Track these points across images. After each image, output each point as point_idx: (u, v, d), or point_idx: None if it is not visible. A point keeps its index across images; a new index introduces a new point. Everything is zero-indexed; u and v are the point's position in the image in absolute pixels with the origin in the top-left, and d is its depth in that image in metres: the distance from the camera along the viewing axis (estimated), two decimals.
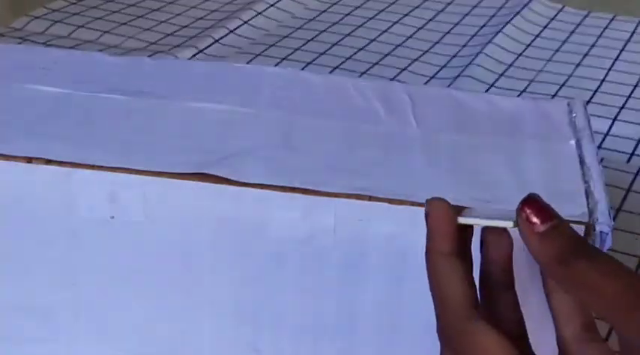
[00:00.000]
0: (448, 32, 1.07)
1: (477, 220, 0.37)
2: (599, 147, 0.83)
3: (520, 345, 0.36)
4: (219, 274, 0.48)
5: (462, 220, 0.37)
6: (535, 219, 0.34)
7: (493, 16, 1.12)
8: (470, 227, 0.38)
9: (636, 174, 0.80)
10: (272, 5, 1.10)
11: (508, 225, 0.35)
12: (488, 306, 0.38)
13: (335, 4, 1.14)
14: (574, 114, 0.54)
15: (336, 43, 1.03)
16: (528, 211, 0.34)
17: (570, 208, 0.45)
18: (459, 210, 0.37)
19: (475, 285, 0.37)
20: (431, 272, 0.37)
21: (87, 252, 0.48)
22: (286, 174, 0.46)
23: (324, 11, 1.12)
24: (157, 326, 0.50)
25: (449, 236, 0.36)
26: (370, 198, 0.45)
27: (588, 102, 0.91)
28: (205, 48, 0.99)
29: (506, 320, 0.38)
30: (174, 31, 1.05)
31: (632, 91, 0.94)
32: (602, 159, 0.79)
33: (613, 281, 0.32)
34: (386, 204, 0.45)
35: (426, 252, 0.37)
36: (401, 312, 0.47)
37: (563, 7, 1.14)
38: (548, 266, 0.34)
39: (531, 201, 0.34)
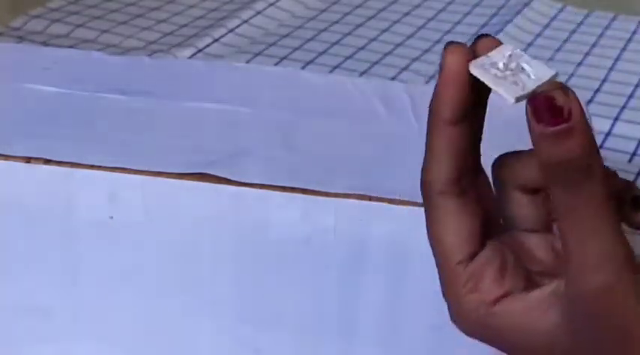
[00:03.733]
0: (449, 31, 1.07)
1: (484, 76, 0.31)
2: (601, 147, 0.83)
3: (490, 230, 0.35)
4: (219, 274, 0.48)
5: (472, 70, 0.31)
6: (543, 115, 0.29)
7: (494, 15, 1.12)
8: None
9: (638, 174, 0.80)
10: (272, 4, 1.10)
11: (509, 100, 0.30)
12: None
13: (335, 3, 1.14)
14: None
15: (336, 43, 1.03)
16: (536, 104, 0.29)
17: None
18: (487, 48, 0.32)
19: (471, 157, 0.34)
20: (428, 132, 0.33)
21: (87, 252, 0.48)
22: (286, 174, 0.46)
23: (324, 10, 1.12)
24: (157, 326, 0.50)
25: (453, 98, 0.32)
26: (370, 198, 0.45)
27: (590, 101, 0.91)
28: (205, 47, 0.99)
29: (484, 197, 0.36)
30: (174, 31, 1.05)
31: (634, 91, 0.94)
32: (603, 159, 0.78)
33: (588, 238, 0.30)
34: (386, 204, 0.45)
35: (430, 109, 0.33)
36: (401, 312, 0.47)
37: (565, 6, 1.14)
38: (546, 180, 0.31)
39: (543, 96, 0.29)
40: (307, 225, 0.46)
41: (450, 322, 0.41)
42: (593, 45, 1.05)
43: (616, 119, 0.88)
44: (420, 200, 0.45)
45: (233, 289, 0.48)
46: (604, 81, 0.96)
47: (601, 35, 1.07)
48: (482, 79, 0.31)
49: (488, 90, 0.32)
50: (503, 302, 0.34)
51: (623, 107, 0.90)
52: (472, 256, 0.34)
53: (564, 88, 0.30)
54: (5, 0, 1.05)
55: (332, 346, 0.49)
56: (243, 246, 0.47)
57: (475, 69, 0.31)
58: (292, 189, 0.46)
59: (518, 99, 0.30)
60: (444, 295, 0.35)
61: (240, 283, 0.48)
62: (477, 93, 0.33)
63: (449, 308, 0.35)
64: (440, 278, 0.35)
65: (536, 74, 0.31)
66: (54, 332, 0.51)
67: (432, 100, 0.33)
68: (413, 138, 0.51)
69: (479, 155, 0.35)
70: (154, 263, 0.48)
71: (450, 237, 0.34)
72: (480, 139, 0.35)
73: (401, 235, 0.45)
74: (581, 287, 0.31)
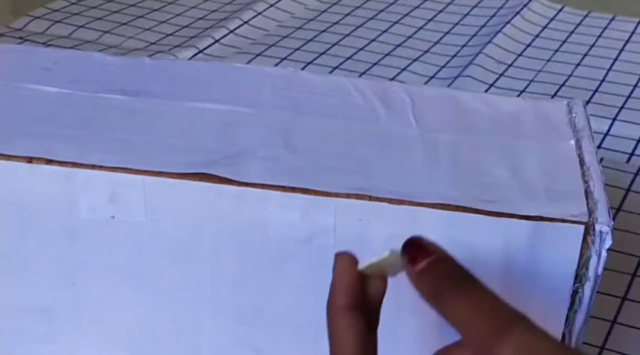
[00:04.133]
0: (448, 32, 1.08)
1: (368, 262, 0.38)
2: (599, 147, 0.83)
3: None
4: (219, 274, 0.48)
5: (361, 267, 0.38)
6: (414, 258, 0.36)
7: (493, 16, 1.12)
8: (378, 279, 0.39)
9: (636, 174, 0.80)
10: (272, 5, 1.11)
11: (386, 255, 0.37)
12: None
13: (335, 4, 1.14)
14: (574, 114, 0.54)
15: (336, 43, 1.03)
16: (408, 253, 0.36)
17: (570, 208, 0.45)
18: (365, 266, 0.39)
19: (372, 333, 0.38)
20: (328, 324, 0.38)
21: (87, 252, 0.48)
22: (286, 174, 0.46)
23: (324, 11, 1.12)
24: (157, 326, 0.50)
25: (348, 288, 0.38)
26: (370, 198, 0.45)
27: (588, 102, 0.91)
28: (205, 48, 1.00)
29: None
30: (175, 31, 1.05)
31: (632, 91, 0.94)
32: (601, 159, 0.79)
33: (475, 315, 0.34)
34: (386, 204, 0.45)
35: (327, 305, 0.38)
36: (400, 312, 0.47)
37: (563, 7, 1.15)
38: (426, 300, 0.36)
39: (410, 244, 0.36)
40: (307, 225, 0.46)
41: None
42: (592, 46, 1.05)
43: (614, 119, 0.88)
44: (420, 199, 0.46)
45: (233, 289, 0.48)
46: (602, 81, 0.96)
47: (599, 36, 1.07)
48: (364, 267, 0.38)
49: (383, 288, 0.39)
50: None
51: (622, 107, 0.91)
52: None
53: (421, 237, 0.37)
54: (7, 1, 1.05)
55: None
56: (243, 245, 0.47)
57: (361, 265, 0.38)
58: (292, 189, 0.46)
59: (391, 252, 0.37)
60: None
61: (240, 283, 0.48)
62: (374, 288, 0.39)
63: None
64: None
65: None
66: (55, 331, 0.51)
67: (329, 303, 0.38)
68: (413, 138, 0.51)
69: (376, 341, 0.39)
70: (154, 262, 0.48)
71: None
72: (377, 325, 0.39)
73: (400, 235, 0.45)
74: None
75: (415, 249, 0.36)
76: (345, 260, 0.39)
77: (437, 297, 0.35)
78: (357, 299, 0.38)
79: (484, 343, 0.34)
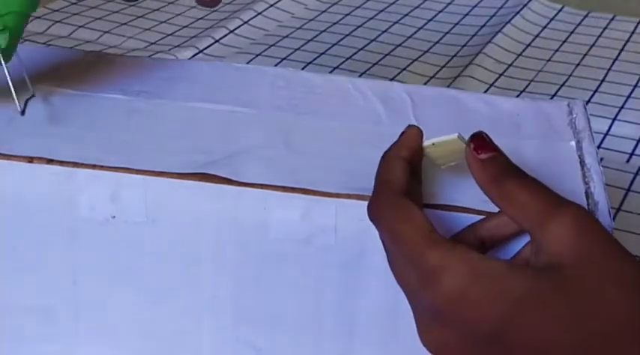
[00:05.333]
0: (448, 32, 1.08)
1: (433, 140, 0.44)
2: (599, 146, 0.83)
3: None
4: (219, 274, 0.48)
5: (425, 143, 0.44)
6: (479, 149, 0.40)
7: (493, 16, 1.12)
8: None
9: (636, 174, 0.80)
10: (272, 5, 1.11)
11: (454, 137, 0.42)
12: None
13: (335, 4, 1.14)
14: (574, 115, 0.54)
15: (336, 43, 1.03)
16: (475, 142, 0.41)
17: None
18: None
19: (417, 188, 0.44)
20: (382, 164, 0.43)
21: (88, 252, 0.48)
22: (286, 174, 0.46)
23: (324, 11, 1.12)
24: (157, 326, 0.50)
25: (411, 148, 0.43)
26: None
27: (588, 102, 0.91)
28: (205, 48, 1.00)
29: None
30: (175, 31, 1.05)
31: (632, 91, 0.94)
32: (601, 159, 0.79)
33: (533, 197, 0.38)
34: None
35: (385, 153, 0.43)
36: (400, 312, 0.47)
37: (563, 6, 1.15)
38: (485, 186, 0.40)
39: (478, 136, 0.41)
40: (307, 225, 0.46)
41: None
42: (592, 45, 1.05)
43: (614, 119, 0.88)
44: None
45: (233, 289, 0.48)
46: (602, 81, 0.96)
47: (599, 36, 1.07)
48: (429, 141, 0.44)
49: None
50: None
51: (621, 107, 0.91)
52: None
53: (486, 133, 0.41)
54: None
55: (332, 346, 0.49)
56: (243, 245, 0.47)
57: (426, 142, 0.44)
58: (292, 189, 0.46)
59: (459, 136, 0.42)
60: (426, 271, 0.38)
61: (240, 283, 0.48)
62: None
63: (429, 283, 0.38)
64: (414, 263, 0.38)
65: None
66: (55, 331, 0.51)
67: (390, 151, 0.43)
68: None
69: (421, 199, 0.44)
70: (154, 262, 0.48)
71: (418, 215, 0.39)
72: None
73: None
74: (551, 234, 0.37)
75: (481, 142, 0.41)
76: (415, 130, 0.44)
77: (496, 182, 0.39)
78: (413, 159, 0.43)
79: (538, 218, 0.38)
